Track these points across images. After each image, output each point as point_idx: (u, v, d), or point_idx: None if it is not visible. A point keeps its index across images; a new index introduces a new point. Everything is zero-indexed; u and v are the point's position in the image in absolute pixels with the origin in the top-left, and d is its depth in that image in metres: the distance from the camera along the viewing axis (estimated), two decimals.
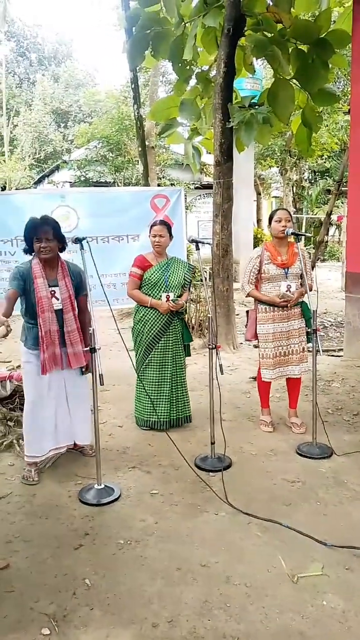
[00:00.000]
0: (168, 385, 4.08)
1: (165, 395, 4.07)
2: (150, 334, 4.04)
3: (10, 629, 2.08)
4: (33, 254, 3.32)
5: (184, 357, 4.21)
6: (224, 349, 6.46)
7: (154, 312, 4.02)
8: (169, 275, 4.05)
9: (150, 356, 4.07)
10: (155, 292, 4.02)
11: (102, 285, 3.55)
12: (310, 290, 3.85)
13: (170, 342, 4.07)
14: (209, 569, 2.43)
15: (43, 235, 3.21)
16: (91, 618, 2.14)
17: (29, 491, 3.19)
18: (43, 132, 22.87)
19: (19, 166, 20.71)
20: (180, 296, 4.10)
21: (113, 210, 5.67)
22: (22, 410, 3.88)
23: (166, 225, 4.10)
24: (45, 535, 2.72)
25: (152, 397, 4.06)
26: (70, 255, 5.23)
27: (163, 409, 4.06)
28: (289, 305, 3.88)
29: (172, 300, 4.00)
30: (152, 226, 4.11)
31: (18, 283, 3.20)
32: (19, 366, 4.24)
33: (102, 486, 3.12)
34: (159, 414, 4.05)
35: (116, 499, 3.05)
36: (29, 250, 3.33)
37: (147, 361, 4.08)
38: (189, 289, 4.34)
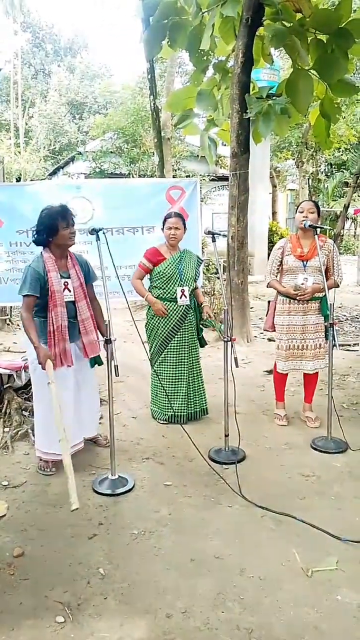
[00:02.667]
0: (185, 380, 4.06)
1: (183, 390, 4.05)
2: (166, 329, 4.00)
3: (25, 616, 2.10)
4: (45, 247, 3.26)
5: (199, 351, 4.19)
6: (238, 342, 6.44)
7: (169, 306, 3.98)
8: (183, 269, 4.01)
9: (165, 351, 4.05)
10: (170, 286, 3.97)
11: (117, 276, 3.53)
12: (337, 286, 3.83)
13: (186, 336, 4.05)
14: (223, 561, 2.43)
15: (72, 221, 3.22)
16: (105, 607, 2.15)
17: (43, 480, 3.22)
18: (58, 124, 22.90)
19: (34, 158, 20.75)
20: (193, 290, 4.07)
21: (128, 202, 5.65)
22: None
23: (181, 217, 4.06)
24: (59, 524, 2.74)
25: (169, 392, 4.04)
26: (85, 246, 5.27)
27: (180, 403, 4.05)
28: (299, 297, 3.83)
29: (185, 301, 3.97)
30: (166, 218, 4.04)
31: (36, 286, 3.13)
32: None
33: (116, 477, 3.13)
34: (176, 408, 4.04)
35: (130, 490, 3.06)
36: (43, 241, 3.25)
37: (162, 356, 4.05)
38: (199, 281, 4.29)
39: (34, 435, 3.72)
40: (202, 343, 4.23)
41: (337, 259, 3.91)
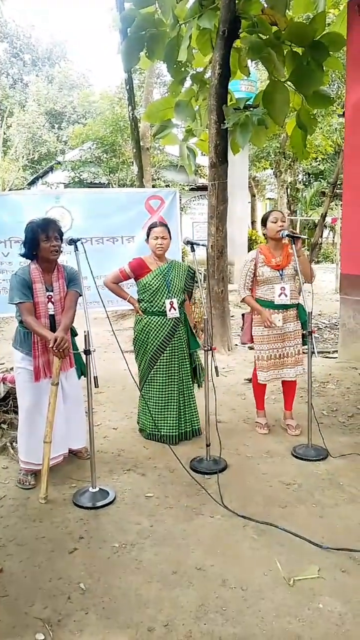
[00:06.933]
0: (175, 398, 3.88)
1: (173, 410, 3.87)
2: (155, 343, 3.84)
3: (4, 634, 2.06)
4: (32, 259, 3.25)
5: (190, 367, 3.99)
6: (219, 350, 6.46)
7: (157, 319, 3.84)
8: (171, 280, 3.87)
9: (155, 367, 3.87)
10: (158, 299, 3.83)
11: (97, 286, 3.53)
12: (311, 281, 3.87)
13: (176, 350, 3.88)
14: (205, 572, 2.41)
15: (53, 235, 3.18)
16: (86, 622, 2.11)
17: (23, 494, 3.17)
18: (37, 133, 22.85)
19: (12, 167, 20.67)
20: (182, 302, 3.94)
21: (108, 212, 5.65)
22: (15, 412, 3.86)
23: (166, 226, 3.94)
24: (39, 538, 2.70)
25: (158, 410, 3.87)
26: (65, 257, 5.24)
27: (171, 422, 3.86)
28: (266, 325, 3.89)
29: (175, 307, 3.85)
30: (151, 228, 3.89)
31: (26, 293, 3.15)
32: (12, 368, 4.21)
33: (97, 489, 3.10)
34: (167, 427, 3.86)
35: (111, 502, 3.03)
36: (29, 254, 3.24)
37: (152, 374, 3.88)
38: (192, 294, 4.16)
39: (13, 449, 3.68)
40: (197, 377, 4.09)
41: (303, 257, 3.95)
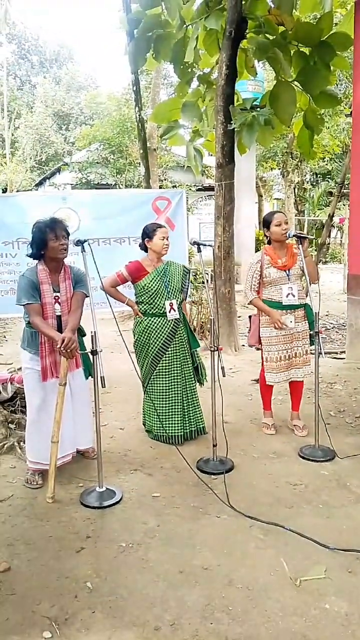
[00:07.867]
0: (180, 398, 3.89)
1: (178, 409, 3.87)
2: (157, 344, 3.84)
3: (11, 632, 2.07)
4: (39, 260, 3.27)
5: (192, 366, 4.02)
6: (226, 351, 6.45)
7: (157, 320, 3.84)
8: (169, 281, 3.87)
9: (157, 368, 3.88)
10: (157, 300, 3.82)
11: (103, 287, 3.55)
12: (316, 281, 3.85)
13: (178, 350, 3.89)
14: (211, 572, 2.42)
15: (61, 234, 3.20)
16: (93, 621, 2.13)
17: (30, 494, 3.18)
18: (44, 135, 22.97)
19: (20, 168, 20.78)
20: (180, 302, 3.94)
21: (114, 212, 5.66)
22: (23, 412, 3.88)
23: None
24: (46, 538, 2.71)
25: (163, 411, 3.87)
26: (72, 257, 5.26)
27: (176, 423, 3.86)
28: (277, 327, 3.87)
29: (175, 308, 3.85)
30: (155, 229, 3.84)
31: (34, 294, 3.17)
32: (19, 368, 4.23)
33: (104, 489, 3.11)
34: (172, 428, 3.85)
35: (118, 502, 3.04)
36: (36, 254, 3.26)
37: (154, 375, 3.88)
38: (187, 294, 4.16)
39: (20, 448, 3.71)
40: (198, 377, 4.09)
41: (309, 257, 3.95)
